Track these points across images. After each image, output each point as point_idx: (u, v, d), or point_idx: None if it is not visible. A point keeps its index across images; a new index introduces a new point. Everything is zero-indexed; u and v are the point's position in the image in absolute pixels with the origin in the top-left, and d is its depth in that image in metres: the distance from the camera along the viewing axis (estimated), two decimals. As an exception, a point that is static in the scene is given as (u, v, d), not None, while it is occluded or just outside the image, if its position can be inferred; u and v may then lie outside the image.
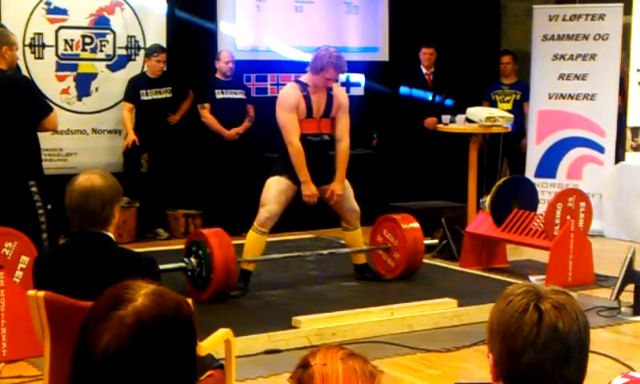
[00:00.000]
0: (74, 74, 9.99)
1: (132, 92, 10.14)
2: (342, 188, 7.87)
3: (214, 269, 7.34)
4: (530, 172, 11.14)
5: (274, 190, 7.69)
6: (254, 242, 7.72)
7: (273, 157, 8.02)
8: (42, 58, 9.80)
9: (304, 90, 7.69)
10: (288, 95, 7.71)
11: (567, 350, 2.12)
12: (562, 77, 11.19)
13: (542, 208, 9.19)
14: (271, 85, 11.27)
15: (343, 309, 7.03)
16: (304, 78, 7.80)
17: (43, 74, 9.64)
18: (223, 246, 7.42)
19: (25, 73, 9.14)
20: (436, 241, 9.40)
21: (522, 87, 11.58)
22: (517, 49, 11.97)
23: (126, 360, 1.78)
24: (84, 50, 10.04)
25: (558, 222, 8.35)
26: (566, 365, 2.12)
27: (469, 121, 10.06)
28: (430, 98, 11.35)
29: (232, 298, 7.51)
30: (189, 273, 7.55)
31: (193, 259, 7.54)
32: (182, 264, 7.57)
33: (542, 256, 8.65)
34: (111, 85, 10.19)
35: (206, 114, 10.37)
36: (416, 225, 8.35)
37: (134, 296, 1.84)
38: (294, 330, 6.60)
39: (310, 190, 7.66)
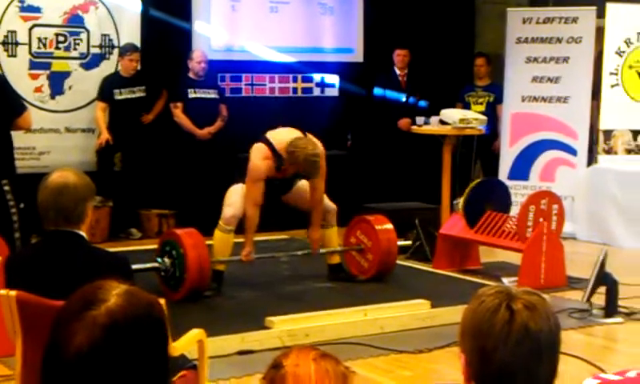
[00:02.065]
0: (48, 72, 9.95)
1: (105, 91, 10.10)
2: (317, 235, 7.98)
3: (188, 269, 7.33)
4: (503, 174, 11.18)
5: (239, 190, 7.72)
6: (221, 242, 7.73)
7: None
8: (15, 56, 9.75)
9: (277, 160, 7.55)
10: (259, 167, 7.54)
11: (538, 350, 2.13)
12: (535, 79, 11.24)
13: (514, 210, 9.23)
14: (246, 85, 11.27)
15: (316, 309, 7.04)
16: (280, 145, 7.53)
17: (16, 71, 9.60)
18: (197, 247, 7.41)
19: (-2, 71, 9.10)
20: (409, 242, 9.42)
21: (496, 89, 11.62)
22: (491, 51, 12.02)
23: (99, 360, 1.78)
24: (57, 48, 10.00)
25: (530, 224, 8.39)
26: (537, 364, 2.13)
27: (442, 122, 10.08)
28: (404, 99, 11.38)
29: (205, 299, 7.50)
30: (162, 273, 7.53)
31: (166, 259, 7.52)
32: (156, 264, 7.55)
33: (515, 258, 8.68)
34: (85, 83, 10.16)
35: (178, 113, 10.36)
36: (389, 226, 8.37)
37: (107, 296, 1.84)
38: (267, 330, 6.59)
39: (247, 250, 7.73)
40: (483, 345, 2.13)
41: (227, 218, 7.70)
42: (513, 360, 2.11)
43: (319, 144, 7.66)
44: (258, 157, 7.57)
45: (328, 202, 8.06)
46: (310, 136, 7.72)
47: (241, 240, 7.81)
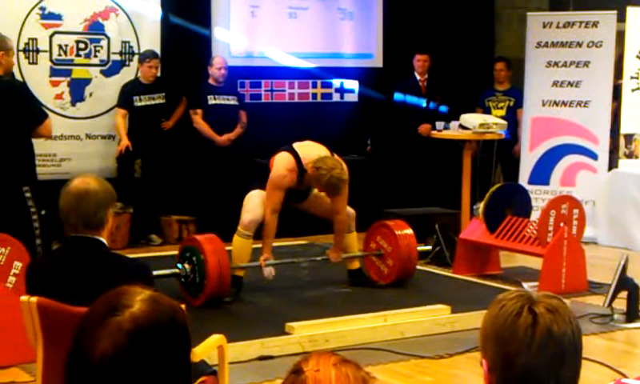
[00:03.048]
0: (68, 79, 9.99)
1: (125, 98, 10.13)
2: (338, 256, 8.07)
3: (208, 275, 7.34)
4: (523, 179, 11.16)
5: (257, 196, 7.75)
6: (240, 247, 7.74)
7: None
8: (36, 64, 9.79)
9: (300, 175, 7.58)
10: (283, 177, 7.56)
11: (562, 353, 2.12)
12: (555, 84, 11.21)
13: (535, 215, 9.21)
14: (265, 91, 11.28)
15: (336, 315, 7.04)
16: (306, 160, 7.56)
17: (37, 79, 9.64)
18: (217, 252, 7.42)
19: (19, 78, 9.13)
20: (429, 247, 9.40)
21: (516, 94, 11.60)
22: (511, 56, 11.99)
23: (124, 365, 1.79)
24: (78, 55, 10.04)
25: (551, 228, 8.36)
26: (561, 368, 2.12)
27: (462, 127, 10.07)
28: (424, 104, 11.37)
29: (225, 304, 7.51)
30: (182, 279, 7.54)
31: (186, 265, 7.54)
32: (176, 270, 7.56)
33: (535, 263, 8.66)
34: (105, 90, 10.19)
35: (197, 119, 10.37)
36: (410, 231, 8.36)
37: (131, 302, 1.85)
38: (287, 336, 6.60)
39: (265, 256, 7.75)
40: (506, 349, 2.12)
41: (246, 223, 7.71)
42: (537, 364, 2.10)
43: (345, 166, 7.62)
44: (284, 166, 7.58)
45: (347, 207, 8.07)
46: (336, 156, 7.73)
47: (260, 246, 7.82)
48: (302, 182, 7.67)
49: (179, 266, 7.57)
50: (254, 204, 7.73)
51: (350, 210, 8.08)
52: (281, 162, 7.61)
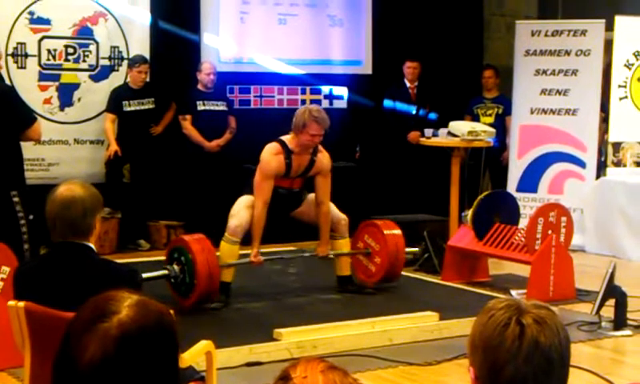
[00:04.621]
0: (57, 83, 9.97)
1: (114, 103, 10.11)
2: (326, 250, 8.07)
3: (197, 274, 7.34)
4: (511, 186, 11.17)
5: (245, 201, 7.79)
6: (227, 253, 7.74)
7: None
8: (24, 68, 9.77)
9: (288, 156, 7.68)
10: (269, 161, 7.67)
11: (548, 364, 2.13)
12: (543, 92, 11.23)
13: (523, 222, 9.22)
14: (254, 97, 11.28)
15: (325, 321, 7.02)
16: (289, 140, 7.72)
17: (26, 83, 9.61)
18: (205, 251, 7.42)
19: (7, 82, 9.10)
20: (417, 249, 9.39)
21: (504, 101, 11.62)
22: (499, 63, 12.01)
23: (111, 371, 1.79)
24: (67, 60, 10.02)
25: (539, 236, 8.37)
26: (547, 379, 2.13)
27: (451, 135, 10.08)
28: (414, 111, 11.37)
29: (213, 310, 7.50)
30: (172, 280, 7.53)
31: (175, 266, 7.53)
32: (165, 271, 7.55)
33: (523, 270, 8.67)
34: (94, 95, 10.17)
35: (187, 125, 10.37)
36: (398, 231, 8.37)
37: (118, 308, 1.85)
38: (276, 342, 6.59)
39: (254, 251, 7.75)
40: (493, 359, 2.13)
41: (232, 228, 7.72)
42: (523, 375, 2.11)
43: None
44: (269, 152, 7.72)
45: (339, 213, 8.10)
46: None
47: (247, 251, 7.82)
48: (292, 166, 7.69)
49: (168, 267, 7.55)
50: (240, 208, 7.76)
51: (343, 217, 8.12)
52: (266, 151, 7.76)
